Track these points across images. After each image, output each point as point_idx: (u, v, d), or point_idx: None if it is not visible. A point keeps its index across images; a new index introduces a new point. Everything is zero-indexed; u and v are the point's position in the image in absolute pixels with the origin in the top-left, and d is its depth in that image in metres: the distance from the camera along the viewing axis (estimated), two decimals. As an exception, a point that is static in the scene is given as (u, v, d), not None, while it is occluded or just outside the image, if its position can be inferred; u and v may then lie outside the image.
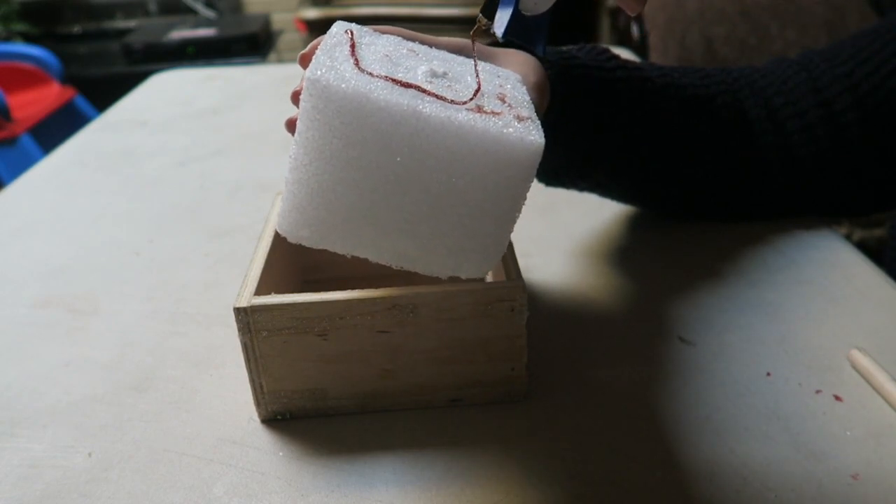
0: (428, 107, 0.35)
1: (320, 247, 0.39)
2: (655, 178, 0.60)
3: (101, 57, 2.57)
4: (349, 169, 0.36)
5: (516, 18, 0.42)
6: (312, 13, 2.22)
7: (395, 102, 0.35)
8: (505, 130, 0.36)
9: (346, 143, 0.35)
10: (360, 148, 0.35)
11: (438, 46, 0.45)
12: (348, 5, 2.29)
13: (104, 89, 1.86)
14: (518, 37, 0.43)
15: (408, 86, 0.36)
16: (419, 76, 0.38)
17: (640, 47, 1.64)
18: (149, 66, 2.17)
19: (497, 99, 0.39)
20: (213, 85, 1.16)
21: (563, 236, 0.65)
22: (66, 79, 2.32)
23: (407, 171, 0.36)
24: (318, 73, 0.35)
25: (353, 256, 0.39)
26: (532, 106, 0.40)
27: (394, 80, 0.36)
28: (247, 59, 2.34)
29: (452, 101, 0.36)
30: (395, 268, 0.40)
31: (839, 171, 0.61)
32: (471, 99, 0.37)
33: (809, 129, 0.60)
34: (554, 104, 0.50)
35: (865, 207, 0.65)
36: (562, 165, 0.57)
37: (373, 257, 0.39)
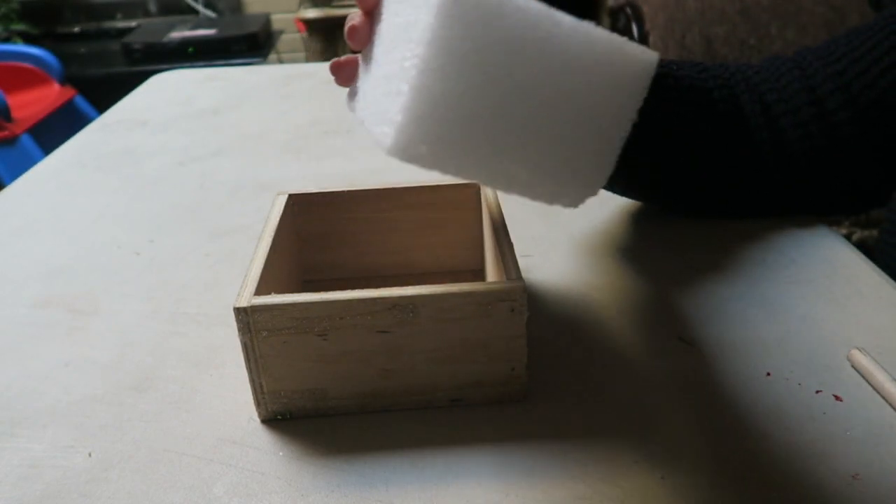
0: (561, 14, 0.34)
1: (433, 168, 0.36)
2: (651, 170, 0.60)
3: (101, 57, 2.57)
4: (479, 75, 0.34)
5: None
6: (312, 13, 2.22)
7: (532, 5, 0.34)
8: (624, 42, 0.36)
9: (481, 45, 0.33)
10: (494, 51, 0.34)
11: None
12: (348, 5, 2.29)
13: (104, 89, 1.86)
14: None
15: None
16: None
17: (640, 47, 1.64)
18: (149, 66, 2.18)
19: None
20: (213, 85, 1.16)
21: (563, 236, 0.65)
22: (66, 79, 2.32)
23: (533, 78, 0.35)
24: None
25: (456, 177, 0.37)
26: None
27: None
28: (247, 59, 2.34)
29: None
30: (503, 192, 0.39)
31: (832, 169, 0.61)
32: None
33: (802, 126, 0.60)
34: None
35: (859, 205, 0.65)
36: None
37: (483, 180, 0.38)
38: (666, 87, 0.58)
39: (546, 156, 0.37)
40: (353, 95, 0.46)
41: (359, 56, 0.46)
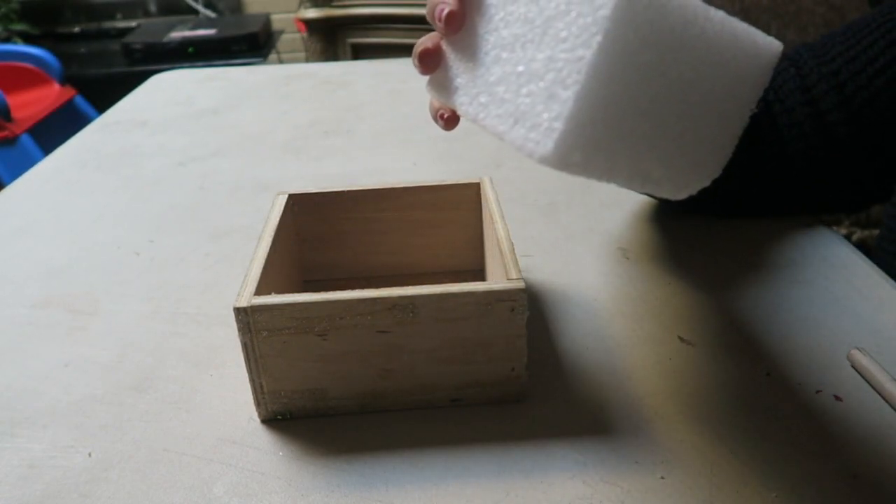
0: (708, 7, 0.34)
1: (581, 174, 0.34)
2: None
3: (101, 57, 2.57)
4: (639, 76, 0.32)
5: None
6: (312, 13, 2.22)
7: (688, 1, 0.33)
8: (755, 31, 0.36)
9: (646, 42, 0.32)
10: (656, 51, 0.32)
11: None
12: (348, 5, 2.29)
13: (104, 89, 1.86)
14: None
15: None
16: None
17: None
18: (149, 66, 2.18)
19: None
20: (213, 85, 1.16)
21: (563, 236, 0.65)
22: (66, 79, 2.31)
23: (684, 75, 0.34)
24: None
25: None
26: None
27: None
28: (247, 59, 2.34)
29: None
30: (634, 191, 0.39)
31: (828, 170, 0.61)
32: None
33: (797, 126, 0.60)
34: None
35: (856, 204, 0.65)
36: None
37: (622, 182, 0.36)
38: None
39: (681, 151, 0.37)
40: (443, 87, 0.42)
41: (443, 42, 0.43)
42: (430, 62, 0.43)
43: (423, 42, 0.43)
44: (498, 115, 0.37)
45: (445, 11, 0.41)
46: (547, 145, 0.32)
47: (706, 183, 0.39)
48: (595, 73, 0.31)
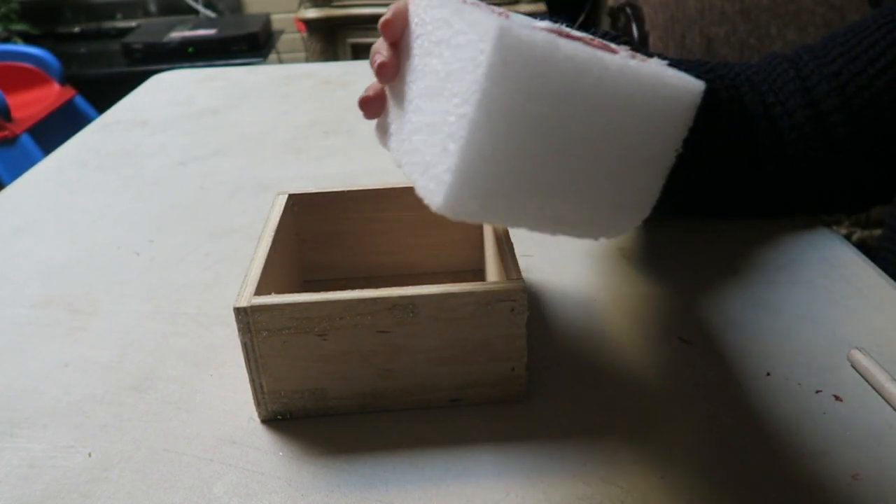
0: (605, 55, 0.34)
1: (483, 220, 0.36)
2: None
3: (101, 57, 2.57)
4: (529, 130, 0.33)
5: None
6: (312, 13, 2.22)
7: (580, 50, 0.33)
8: (670, 74, 0.35)
9: (531, 100, 0.32)
10: (544, 105, 0.33)
11: None
12: (348, 5, 2.29)
13: (104, 89, 1.86)
14: None
15: (570, 37, 0.35)
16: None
17: (641, 47, 1.64)
18: (149, 66, 2.18)
19: (629, 55, 0.38)
20: (213, 85, 1.16)
21: (562, 236, 0.65)
22: (66, 79, 2.31)
23: (583, 124, 0.34)
24: (502, 25, 0.32)
25: (504, 227, 0.37)
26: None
27: (558, 32, 0.34)
28: (247, 59, 2.34)
29: (612, 50, 0.35)
30: (550, 235, 0.38)
31: (829, 171, 0.61)
32: (618, 50, 0.37)
33: (798, 128, 0.60)
34: None
35: (857, 205, 0.65)
36: None
37: (531, 226, 0.37)
38: None
39: (595, 196, 0.37)
40: (384, 130, 0.45)
41: (386, 88, 0.45)
42: (371, 109, 0.46)
43: (367, 89, 0.46)
44: (412, 164, 0.38)
45: (377, 62, 0.43)
46: (439, 196, 0.34)
47: (636, 223, 0.39)
48: (477, 129, 0.32)
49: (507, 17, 0.37)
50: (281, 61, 2.65)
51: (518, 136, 0.33)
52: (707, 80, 0.59)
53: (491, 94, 0.32)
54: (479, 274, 0.59)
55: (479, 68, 0.32)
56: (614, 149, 0.35)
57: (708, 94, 0.59)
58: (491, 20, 0.32)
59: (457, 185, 0.33)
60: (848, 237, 1.41)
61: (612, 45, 0.39)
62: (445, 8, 0.37)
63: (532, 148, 0.33)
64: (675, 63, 0.59)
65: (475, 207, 0.34)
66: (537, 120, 0.33)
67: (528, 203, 0.35)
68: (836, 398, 0.45)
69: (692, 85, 0.36)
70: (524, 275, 0.44)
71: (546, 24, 0.38)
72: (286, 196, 0.54)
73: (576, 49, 0.33)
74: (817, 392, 0.46)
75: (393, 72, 0.43)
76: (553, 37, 0.33)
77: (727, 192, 0.63)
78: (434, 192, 0.35)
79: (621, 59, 0.34)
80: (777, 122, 0.60)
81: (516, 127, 0.33)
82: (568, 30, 0.40)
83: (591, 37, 0.39)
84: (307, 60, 2.46)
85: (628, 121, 0.35)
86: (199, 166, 0.85)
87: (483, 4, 0.41)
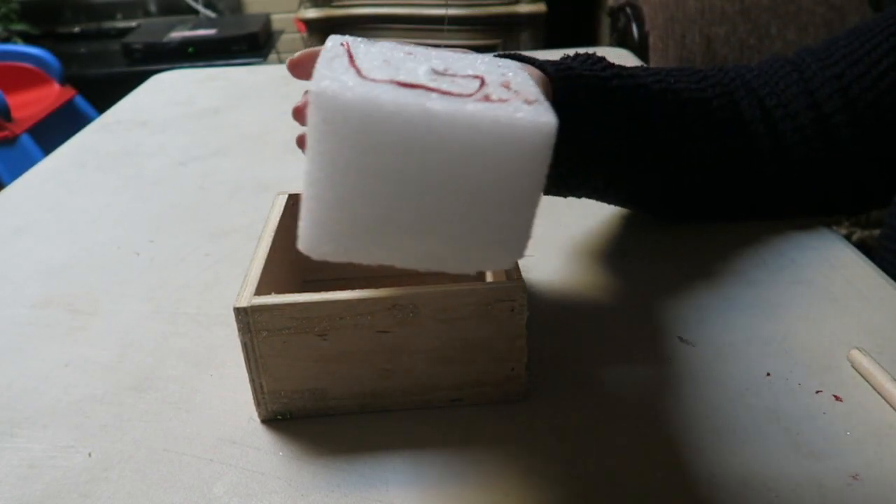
0: (436, 103, 0.34)
1: (346, 260, 0.38)
2: (653, 184, 0.60)
3: (101, 57, 2.57)
4: (365, 178, 0.35)
5: None
6: (312, 13, 2.22)
7: (403, 103, 0.34)
8: (516, 115, 0.35)
9: (359, 151, 0.34)
10: (374, 155, 0.35)
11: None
12: (348, 5, 2.29)
13: (104, 89, 1.86)
14: None
15: (412, 86, 0.36)
16: (421, 75, 0.38)
17: (640, 47, 1.64)
18: (149, 66, 2.18)
19: (502, 87, 0.38)
20: (213, 85, 1.16)
21: (562, 236, 0.65)
22: (66, 79, 2.32)
23: (424, 171, 0.35)
24: (323, 84, 0.34)
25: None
26: (539, 90, 0.39)
27: (398, 83, 0.36)
28: (247, 59, 2.34)
29: (459, 95, 0.36)
30: (422, 270, 0.39)
31: (832, 173, 0.61)
32: (477, 90, 0.37)
33: (801, 130, 0.60)
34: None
35: (860, 207, 0.65)
36: (559, 176, 0.57)
37: (399, 263, 0.38)
38: (665, 102, 0.57)
39: (459, 235, 0.37)
40: None
41: None
42: (302, 144, 0.47)
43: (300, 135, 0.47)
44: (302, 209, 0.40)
45: (294, 107, 0.46)
46: (299, 238, 0.38)
47: (515, 259, 0.39)
48: (313, 182, 0.36)
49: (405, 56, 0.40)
50: (281, 61, 2.65)
51: (358, 185, 0.35)
52: (700, 92, 0.60)
53: (317, 149, 0.35)
54: (479, 274, 0.59)
55: (308, 126, 0.35)
56: (464, 192, 0.36)
57: (701, 106, 0.59)
58: (323, 79, 0.35)
59: (307, 230, 0.37)
60: (848, 237, 1.41)
61: (511, 84, 0.39)
62: (323, 57, 0.39)
63: (377, 194, 0.35)
64: (668, 72, 0.60)
65: (332, 248, 0.37)
66: (373, 169, 0.35)
67: (388, 243, 0.37)
68: (836, 398, 0.45)
69: (542, 125, 0.35)
70: (524, 275, 0.44)
71: (425, 69, 0.39)
72: (286, 196, 0.54)
73: (402, 102, 0.34)
74: (817, 392, 0.46)
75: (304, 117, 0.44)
76: (379, 92, 0.34)
77: (728, 197, 0.63)
78: (298, 237, 0.38)
79: (455, 105, 0.34)
80: (780, 125, 0.60)
81: (354, 177, 0.35)
82: (459, 68, 0.40)
83: (478, 74, 0.39)
84: (307, 60, 2.45)
85: (471, 165, 0.35)
86: (199, 166, 0.85)
87: (408, 49, 0.42)
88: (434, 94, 0.35)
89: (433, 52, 0.43)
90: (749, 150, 0.61)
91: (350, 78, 0.36)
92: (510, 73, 0.41)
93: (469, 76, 0.39)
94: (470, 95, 0.36)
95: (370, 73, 0.37)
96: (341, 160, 0.35)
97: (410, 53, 0.42)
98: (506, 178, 0.36)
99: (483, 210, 0.36)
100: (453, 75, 0.39)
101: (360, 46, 0.41)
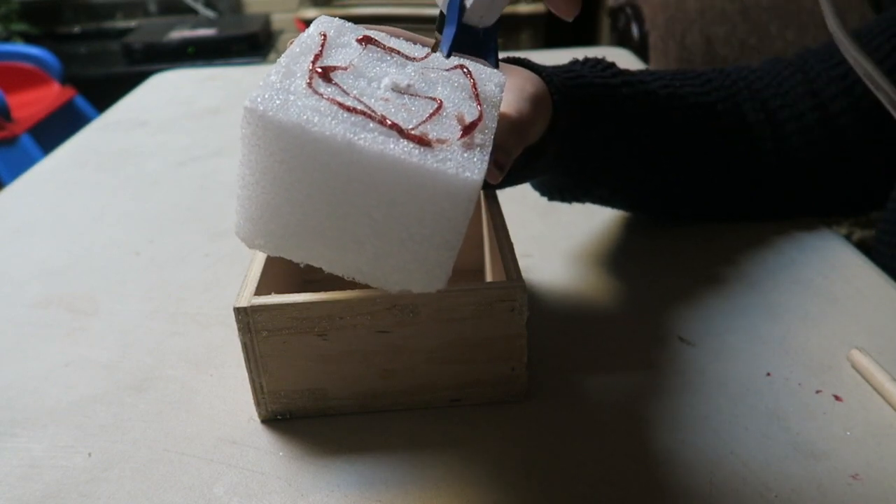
0: (365, 138, 0.34)
1: (276, 255, 0.39)
2: (658, 190, 0.60)
3: (101, 57, 2.57)
4: (292, 190, 0.36)
5: (464, 34, 0.43)
6: (312, 13, 2.22)
7: (330, 134, 0.34)
8: (441, 166, 0.35)
9: (287, 167, 0.35)
10: (301, 173, 0.35)
11: (426, 45, 0.44)
12: (348, 5, 2.29)
13: (104, 89, 1.86)
14: (467, 51, 0.43)
15: (353, 111, 0.36)
16: (376, 92, 0.38)
17: (641, 47, 1.64)
18: (149, 66, 2.18)
19: (455, 119, 0.38)
20: (213, 85, 1.16)
21: (563, 236, 0.65)
22: (66, 79, 2.32)
23: (347, 196, 0.36)
24: (257, 100, 0.35)
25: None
26: (489, 134, 0.38)
27: (340, 104, 0.36)
28: (247, 59, 2.35)
29: (396, 127, 0.36)
30: (348, 279, 0.40)
31: (837, 173, 0.61)
32: (423, 122, 0.37)
33: (807, 131, 0.60)
34: (559, 122, 0.49)
35: (865, 206, 0.65)
36: (566, 183, 0.57)
37: (326, 268, 0.39)
38: (672, 108, 0.57)
39: (380, 256, 0.38)
40: None
41: None
42: None
43: None
44: None
45: None
46: (235, 228, 0.40)
47: (438, 286, 0.39)
48: (244, 184, 0.38)
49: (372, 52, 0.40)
50: (281, 61, 2.65)
51: (284, 195, 0.36)
52: (704, 96, 0.60)
53: (248, 156, 0.37)
54: (479, 274, 0.59)
55: (242, 136, 0.37)
56: (387, 221, 0.36)
57: (706, 111, 0.59)
58: (262, 90, 0.35)
59: (241, 223, 0.39)
60: (848, 237, 1.40)
61: (438, 110, 0.38)
62: (291, 51, 0.39)
63: (302, 206, 0.36)
64: (673, 77, 0.60)
65: (264, 243, 0.38)
66: (298, 185, 0.36)
67: (315, 249, 0.38)
68: (836, 398, 0.45)
69: (464, 180, 0.35)
70: (524, 275, 0.44)
71: (387, 80, 0.39)
72: (286, 196, 0.54)
73: (328, 133, 0.34)
74: (817, 392, 0.46)
75: None
76: (312, 115, 0.35)
77: (732, 199, 0.63)
78: (236, 225, 0.40)
79: (383, 145, 0.35)
80: (786, 126, 0.60)
81: (280, 187, 0.36)
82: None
83: (438, 99, 0.39)
84: (307, 60, 2.45)
85: (394, 201, 0.36)
86: (199, 166, 0.85)
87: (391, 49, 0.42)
88: (371, 124, 0.35)
89: (421, 52, 0.42)
90: (754, 152, 0.61)
91: (294, 90, 0.36)
92: (473, 104, 0.39)
93: (429, 98, 0.39)
94: (409, 130, 0.36)
95: (320, 85, 0.37)
96: (269, 171, 0.36)
97: (390, 53, 0.41)
98: (425, 220, 0.36)
99: (402, 242, 0.37)
100: (414, 94, 0.39)
101: (343, 36, 0.41)
